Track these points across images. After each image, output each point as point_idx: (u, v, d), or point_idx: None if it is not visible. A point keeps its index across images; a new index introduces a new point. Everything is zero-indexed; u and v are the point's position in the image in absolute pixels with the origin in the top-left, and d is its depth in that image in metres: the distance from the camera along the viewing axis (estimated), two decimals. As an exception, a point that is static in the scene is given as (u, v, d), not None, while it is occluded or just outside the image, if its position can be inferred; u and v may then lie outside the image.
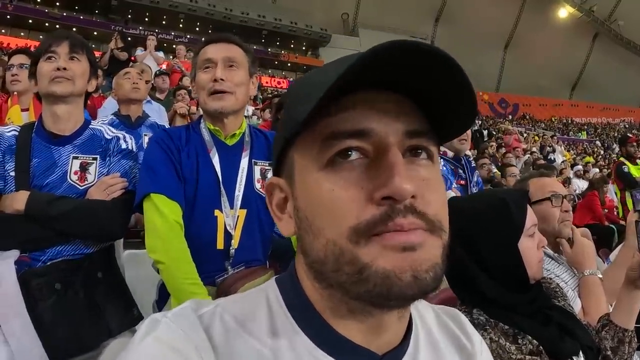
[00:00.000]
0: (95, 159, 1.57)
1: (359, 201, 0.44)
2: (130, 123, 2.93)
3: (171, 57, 8.79)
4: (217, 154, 1.50)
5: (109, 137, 1.63)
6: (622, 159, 5.55)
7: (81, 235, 1.49)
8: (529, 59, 37.35)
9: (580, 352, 1.07)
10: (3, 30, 26.37)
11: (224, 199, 1.47)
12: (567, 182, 7.97)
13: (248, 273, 1.44)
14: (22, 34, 26.83)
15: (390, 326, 0.51)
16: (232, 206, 1.48)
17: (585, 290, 1.52)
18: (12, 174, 1.47)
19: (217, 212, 1.46)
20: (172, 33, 28.47)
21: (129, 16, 28.92)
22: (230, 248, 1.46)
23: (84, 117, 1.65)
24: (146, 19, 29.62)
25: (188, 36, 27.47)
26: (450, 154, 2.73)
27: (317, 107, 0.42)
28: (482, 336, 0.83)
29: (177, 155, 1.46)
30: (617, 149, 16.55)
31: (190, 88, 5.58)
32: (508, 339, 1.01)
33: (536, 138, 17.36)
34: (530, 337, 1.02)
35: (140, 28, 26.47)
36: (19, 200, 1.41)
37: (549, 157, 11.79)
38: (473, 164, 3.06)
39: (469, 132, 2.78)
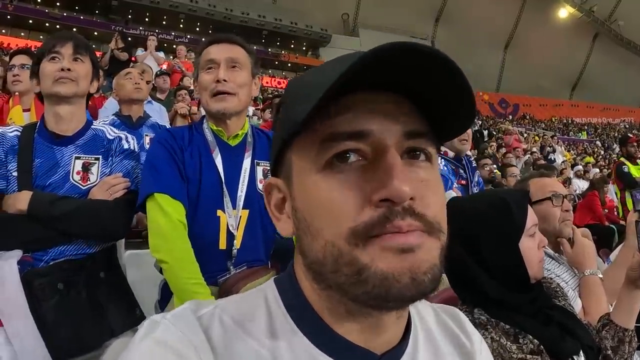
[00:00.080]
0: (97, 159, 1.57)
1: (357, 203, 0.44)
2: (132, 123, 2.92)
3: (171, 57, 8.80)
4: (219, 155, 1.50)
5: (111, 138, 1.64)
6: (622, 159, 5.55)
7: (84, 235, 1.50)
8: (529, 59, 37.35)
9: (581, 352, 1.08)
10: (3, 31, 26.38)
11: (227, 199, 1.47)
12: (567, 182, 7.96)
13: (250, 273, 1.45)
14: (22, 34, 26.86)
15: (388, 326, 0.51)
16: (234, 206, 1.48)
17: (585, 290, 1.53)
18: (15, 174, 1.47)
19: (219, 213, 1.46)
20: (173, 33, 28.49)
21: (129, 16, 28.93)
22: (233, 248, 1.47)
23: (86, 117, 1.66)
24: (146, 19, 29.63)
25: (188, 36, 27.51)
26: (451, 154, 2.73)
27: (316, 107, 0.42)
28: (483, 336, 0.84)
29: (180, 155, 1.46)
30: (617, 149, 16.54)
31: (191, 88, 5.57)
32: (509, 338, 1.02)
33: (536, 138, 17.37)
34: (531, 337, 1.02)
35: (141, 28, 26.49)
36: (21, 200, 1.41)
37: (549, 157, 11.79)
38: (474, 164, 3.07)
39: (469, 132, 2.79)
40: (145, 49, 7.46)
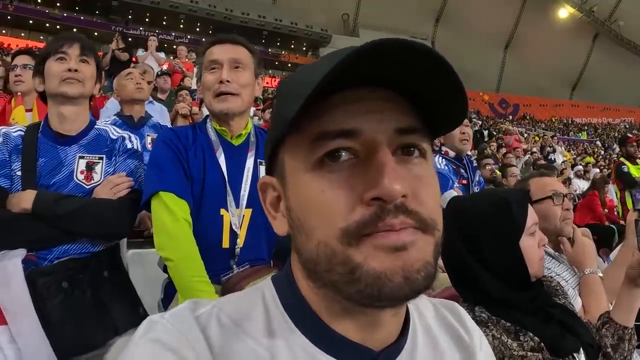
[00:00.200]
0: (101, 158, 1.58)
1: (349, 202, 0.44)
2: (133, 123, 2.92)
3: (172, 57, 8.82)
4: (223, 154, 1.51)
5: (114, 137, 1.65)
6: (622, 159, 5.56)
7: (88, 233, 1.50)
8: (529, 59, 37.35)
9: (581, 349, 1.09)
10: (4, 31, 26.40)
11: (230, 199, 1.48)
12: (567, 182, 7.97)
13: (252, 272, 1.46)
14: (22, 34, 26.88)
15: (385, 323, 0.51)
16: (237, 205, 1.49)
17: (585, 288, 1.54)
18: (19, 173, 1.48)
19: (222, 212, 1.47)
20: (173, 33, 28.52)
21: (130, 17, 28.94)
22: (236, 247, 1.48)
23: (89, 117, 1.67)
24: (146, 20, 29.65)
25: (188, 37, 27.52)
26: (452, 153, 2.75)
27: (304, 106, 0.41)
28: (484, 333, 0.85)
29: (184, 154, 1.47)
30: (617, 149, 16.53)
31: (191, 88, 5.56)
32: (510, 335, 1.03)
33: (536, 138, 17.35)
34: (531, 334, 1.03)
35: (141, 28, 26.51)
36: (25, 200, 1.42)
37: (549, 158, 11.79)
38: (475, 164, 3.08)
39: (470, 132, 2.79)
40: (146, 50, 7.47)
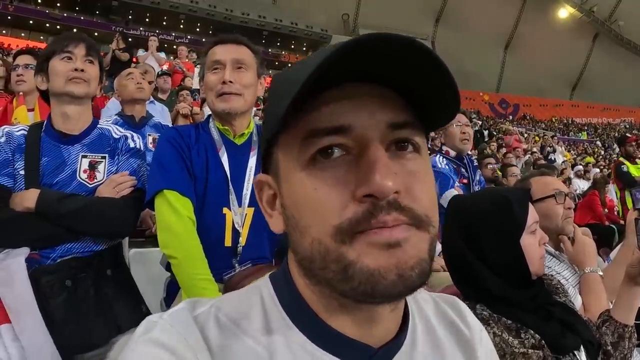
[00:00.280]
0: (104, 157, 1.59)
1: (342, 200, 0.43)
2: (134, 123, 2.92)
3: (172, 57, 8.83)
4: (225, 153, 1.52)
5: (117, 137, 1.65)
6: (621, 158, 5.57)
7: (91, 232, 1.51)
8: (529, 59, 37.33)
9: (582, 347, 1.10)
10: (4, 31, 26.41)
11: (233, 197, 1.49)
12: (567, 182, 7.97)
13: (254, 270, 1.46)
14: (22, 34, 26.89)
15: (383, 319, 0.50)
16: (240, 204, 1.50)
17: (586, 287, 1.54)
18: (22, 172, 1.49)
19: (225, 210, 1.48)
20: (173, 34, 28.54)
21: (130, 17, 28.95)
22: (238, 245, 1.49)
23: (92, 117, 1.68)
24: (147, 20, 29.65)
25: (189, 37, 27.55)
26: (452, 153, 2.76)
27: (294, 103, 0.41)
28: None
29: (187, 153, 1.48)
30: (617, 149, 16.55)
31: (192, 88, 5.57)
32: (511, 333, 1.04)
33: (537, 138, 17.37)
34: (532, 332, 1.04)
35: (141, 29, 26.53)
36: (29, 198, 1.42)
37: (549, 157, 11.80)
38: (475, 163, 3.08)
39: (471, 132, 2.80)
40: (146, 50, 7.48)
